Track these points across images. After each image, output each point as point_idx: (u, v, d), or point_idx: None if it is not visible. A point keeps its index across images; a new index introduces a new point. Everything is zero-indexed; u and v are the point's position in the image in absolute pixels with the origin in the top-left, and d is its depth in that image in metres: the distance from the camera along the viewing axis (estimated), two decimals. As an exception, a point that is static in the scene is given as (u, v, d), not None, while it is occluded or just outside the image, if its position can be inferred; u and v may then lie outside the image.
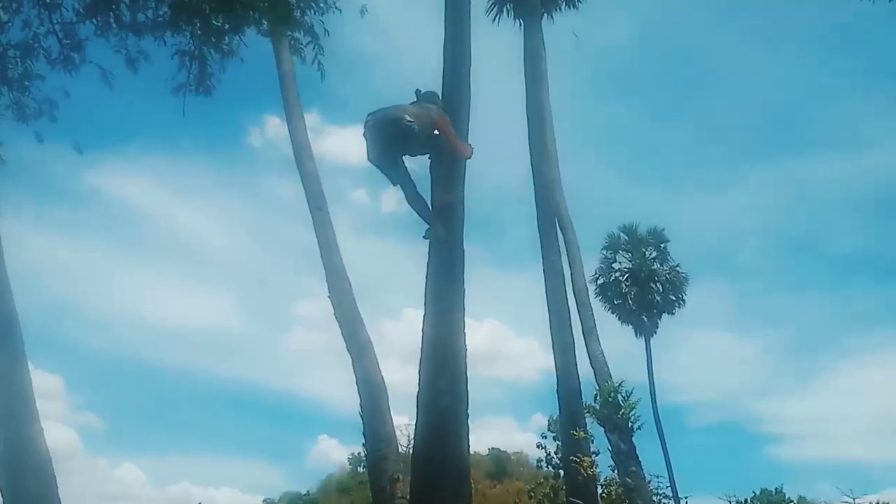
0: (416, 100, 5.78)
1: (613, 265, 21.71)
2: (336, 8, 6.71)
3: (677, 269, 21.24)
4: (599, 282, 21.44)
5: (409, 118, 5.14)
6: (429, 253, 6.10)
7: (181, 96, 6.30)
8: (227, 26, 6.48)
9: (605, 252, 21.77)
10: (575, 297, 12.05)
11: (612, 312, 21.26)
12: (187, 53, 6.48)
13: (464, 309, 5.86)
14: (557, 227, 11.71)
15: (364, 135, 5.33)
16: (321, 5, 6.60)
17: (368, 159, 5.40)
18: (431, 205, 5.72)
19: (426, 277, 6.01)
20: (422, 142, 5.32)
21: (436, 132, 5.32)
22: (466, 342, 5.76)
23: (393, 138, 5.20)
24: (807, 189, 32.90)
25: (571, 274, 12.17)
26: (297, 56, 8.96)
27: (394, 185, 5.54)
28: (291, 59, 10.16)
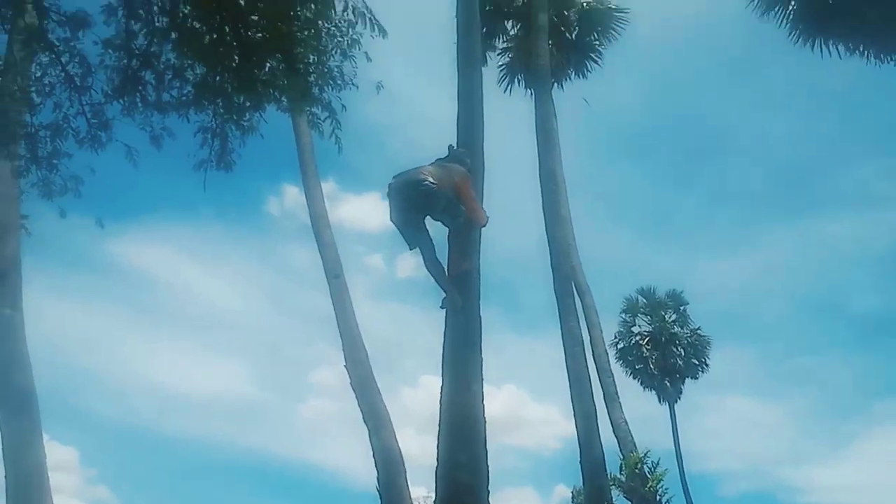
0: (447, 155, 5.87)
1: (633, 329, 21.46)
2: (353, 84, 6.92)
3: (698, 331, 20.94)
4: (619, 346, 21.14)
5: (431, 180, 5.16)
6: (445, 321, 6.07)
7: (202, 171, 6.45)
8: (248, 104, 6.70)
9: (623, 316, 21.58)
10: (595, 362, 11.84)
11: (634, 377, 20.87)
12: (209, 130, 6.68)
13: (482, 379, 5.77)
14: (574, 292, 11.64)
15: (387, 195, 5.36)
16: (339, 82, 6.81)
17: (391, 220, 5.43)
18: (448, 272, 5.73)
19: (443, 347, 5.95)
20: (443, 204, 5.31)
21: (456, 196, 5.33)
22: (485, 412, 5.65)
23: (414, 200, 5.22)
24: (823, 248, 32.63)
25: (591, 339, 12.00)
26: (314, 130, 9.26)
27: (411, 248, 5.54)
28: (310, 133, 10.49)
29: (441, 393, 5.76)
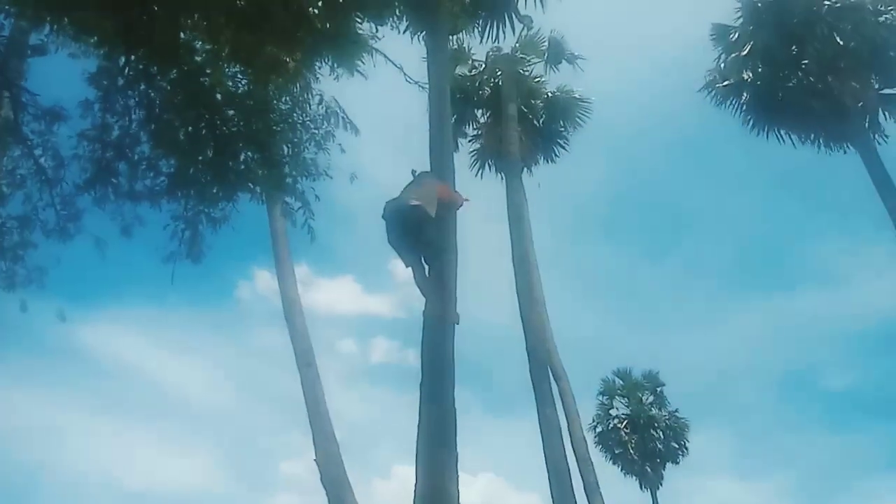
0: (414, 179, 6.41)
1: (611, 412, 21.14)
2: (327, 175, 7.05)
3: (676, 413, 20.70)
4: (598, 430, 20.76)
5: (417, 202, 5.76)
6: (419, 411, 5.93)
7: (171, 263, 6.39)
8: (222, 194, 6.73)
9: (601, 398, 21.30)
10: (574, 450, 11.55)
11: (614, 463, 20.36)
12: (182, 219, 6.67)
13: (457, 475, 5.59)
14: (550, 377, 11.51)
15: (383, 218, 5.90)
16: (312, 173, 6.93)
17: (388, 242, 6.00)
18: (424, 314, 6.01)
19: (417, 440, 5.78)
20: (430, 230, 5.92)
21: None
22: (461, 504, 5.44)
23: (407, 224, 5.79)
24: (793, 324, 33.10)
25: (568, 425, 11.75)
26: (287, 220, 9.34)
27: (406, 266, 6.08)
28: (283, 220, 10.52)
29: (415, 490, 5.56)
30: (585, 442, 11.66)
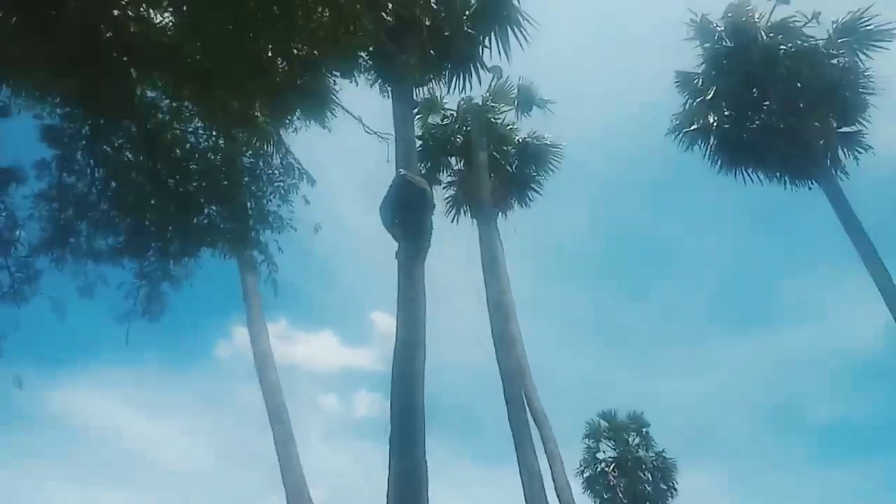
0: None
1: (597, 455, 20.78)
2: (291, 227, 6.99)
3: (663, 454, 20.40)
4: (586, 474, 20.37)
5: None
6: (389, 465, 5.81)
7: (126, 322, 6.24)
8: (185, 250, 6.64)
9: (587, 441, 20.95)
10: (558, 497, 11.29)
11: (603, 508, 19.93)
12: (142, 277, 6.55)
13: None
14: (532, 422, 11.33)
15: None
16: (275, 224, 6.87)
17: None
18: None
19: (387, 494, 5.64)
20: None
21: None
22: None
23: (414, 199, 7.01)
24: (778, 360, 33.10)
25: (552, 472, 11.52)
26: (249, 274, 9.31)
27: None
28: (255, 275, 10.43)
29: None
30: (570, 488, 11.39)
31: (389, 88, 9.57)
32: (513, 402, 10.28)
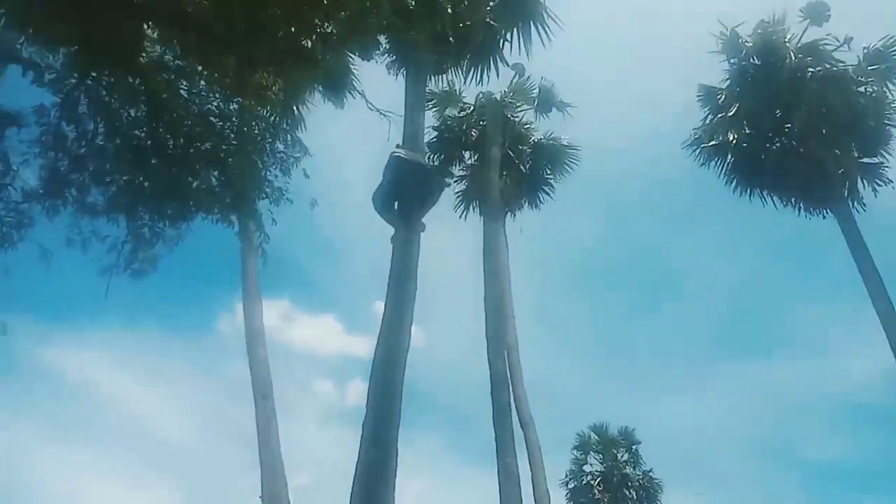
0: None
1: (584, 467, 20.58)
2: (288, 199, 6.90)
3: (650, 474, 20.17)
4: (571, 486, 20.19)
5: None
6: (360, 450, 5.69)
7: (107, 276, 6.14)
8: (176, 211, 6.55)
9: (575, 453, 20.76)
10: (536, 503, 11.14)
11: (586, 523, 19.75)
12: (134, 233, 6.45)
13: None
14: (517, 426, 11.17)
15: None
16: (272, 195, 6.78)
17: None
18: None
19: (353, 481, 5.52)
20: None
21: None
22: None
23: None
24: (776, 392, 32.53)
25: (532, 477, 11.36)
26: (249, 247, 9.24)
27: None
28: (255, 250, 10.35)
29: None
30: (549, 496, 11.23)
31: (405, 71, 9.44)
32: (499, 405, 10.13)
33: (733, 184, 14.15)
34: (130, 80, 6.26)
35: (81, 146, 6.29)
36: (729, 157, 14.18)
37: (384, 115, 7.27)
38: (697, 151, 14.41)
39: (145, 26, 6.21)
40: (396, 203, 6.75)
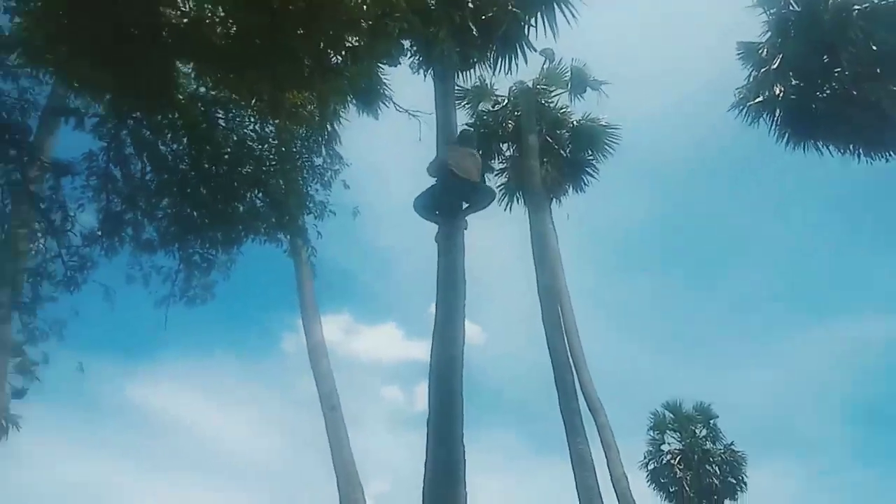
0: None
1: (662, 447, 20.15)
2: (331, 211, 7.03)
3: (732, 447, 19.58)
4: (650, 467, 19.81)
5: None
6: (426, 451, 5.72)
7: (165, 306, 6.40)
8: (229, 237, 6.76)
9: (651, 433, 20.36)
10: (614, 487, 10.98)
11: (670, 501, 19.32)
12: (186, 262, 6.70)
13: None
14: (586, 411, 11.06)
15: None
16: (316, 210, 6.92)
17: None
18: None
19: (423, 481, 5.56)
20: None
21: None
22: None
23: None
24: (856, 351, 30.93)
25: (607, 461, 11.21)
26: (303, 264, 9.48)
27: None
28: (308, 266, 10.59)
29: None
30: (626, 478, 11.06)
31: (431, 71, 9.44)
32: (564, 391, 10.03)
33: (785, 139, 13.58)
34: (169, 116, 6.50)
35: (130, 185, 6.57)
36: (777, 111, 13.60)
37: (413, 116, 7.30)
38: (744, 111, 13.88)
39: (176, 62, 6.43)
40: (438, 211, 6.77)
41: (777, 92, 13.43)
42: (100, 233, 6.42)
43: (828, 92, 13.01)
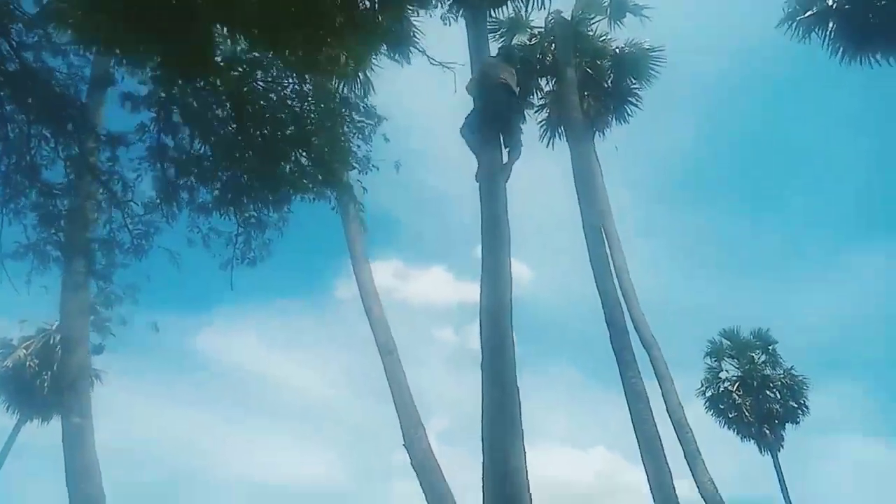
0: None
1: (720, 374, 20.17)
2: (374, 166, 7.15)
3: (792, 371, 19.44)
4: (708, 394, 19.91)
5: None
6: (482, 392, 5.94)
7: (230, 269, 6.72)
8: (274, 197, 6.98)
9: (708, 360, 20.37)
10: (670, 417, 11.16)
11: (729, 428, 19.48)
12: (242, 225, 6.99)
13: (524, 450, 5.57)
14: (638, 345, 11.16)
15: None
16: (360, 166, 7.04)
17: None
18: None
19: (481, 420, 5.80)
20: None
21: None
22: (530, 488, 5.44)
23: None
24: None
25: (662, 393, 11.36)
26: (351, 216, 9.70)
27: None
28: (357, 211, 10.82)
29: (482, 468, 5.59)
30: (682, 408, 11.21)
31: (463, 14, 9.26)
32: (615, 327, 10.10)
33: (840, 53, 12.87)
34: (210, 80, 6.66)
35: (181, 153, 6.82)
36: (831, 24, 12.87)
37: (447, 68, 7.25)
38: (794, 26, 13.18)
39: (212, 28, 6.54)
40: (480, 133, 6.76)
41: (829, 3, 12.68)
42: (158, 201, 6.73)
43: (884, 1, 12.20)
